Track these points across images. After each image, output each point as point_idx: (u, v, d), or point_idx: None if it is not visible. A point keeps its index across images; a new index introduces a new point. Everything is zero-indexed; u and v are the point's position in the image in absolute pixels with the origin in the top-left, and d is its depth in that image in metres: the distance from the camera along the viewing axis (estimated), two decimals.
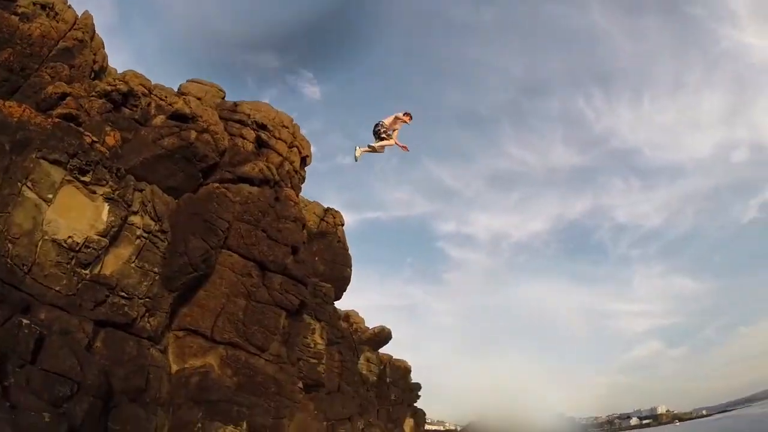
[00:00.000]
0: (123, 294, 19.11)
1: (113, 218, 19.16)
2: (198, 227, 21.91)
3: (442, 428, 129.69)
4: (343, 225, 39.00)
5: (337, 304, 39.24)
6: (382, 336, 43.89)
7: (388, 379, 43.44)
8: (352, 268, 39.02)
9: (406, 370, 46.56)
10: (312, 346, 27.21)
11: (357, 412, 33.67)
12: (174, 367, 21.39)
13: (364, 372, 40.61)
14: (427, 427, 55.66)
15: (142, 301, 19.83)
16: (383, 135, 14.53)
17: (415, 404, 47.88)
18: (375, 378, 41.83)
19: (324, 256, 35.83)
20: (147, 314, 20.03)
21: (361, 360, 40.57)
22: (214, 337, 22.14)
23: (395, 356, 47.21)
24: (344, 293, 38.11)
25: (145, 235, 20.51)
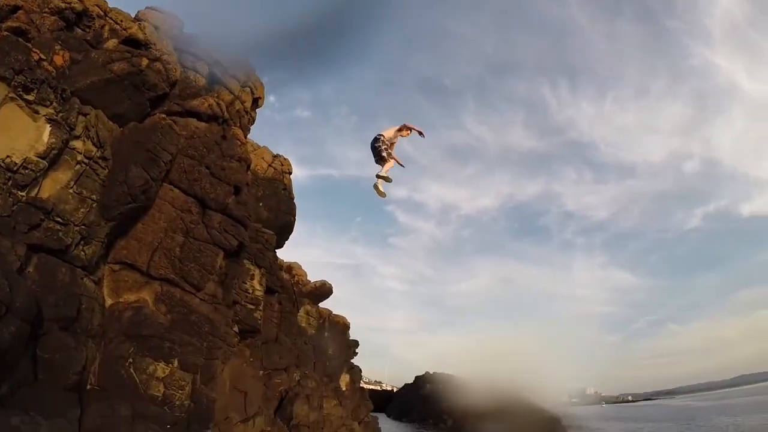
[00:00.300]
0: (58, 219, 19.14)
1: (54, 140, 19.10)
2: (140, 157, 21.96)
3: (378, 387, 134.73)
4: (290, 173, 39.10)
5: (280, 256, 39.79)
6: (323, 290, 44.74)
7: (326, 334, 44.50)
8: (297, 218, 39.30)
9: (345, 326, 47.74)
10: (250, 291, 27.68)
11: (294, 363, 34.55)
12: (108, 301, 21.61)
13: (303, 324, 41.51)
14: (363, 385, 57.16)
15: (77, 228, 19.88)
16: (384, 153, 13.21)
17: (352, 360, 49.17)
18: (313, 331, 42.82)
19: (269, 202, 36.02)
20: (82, 242, 20.12)
21: (301, 312, 41.44)
22: (149, 273, 22.42)
23: (335, 313, 48.23)
24: (286, 242, 38.51)
25: (86, 161, 20.49)
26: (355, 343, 49.49)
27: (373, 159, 13.60)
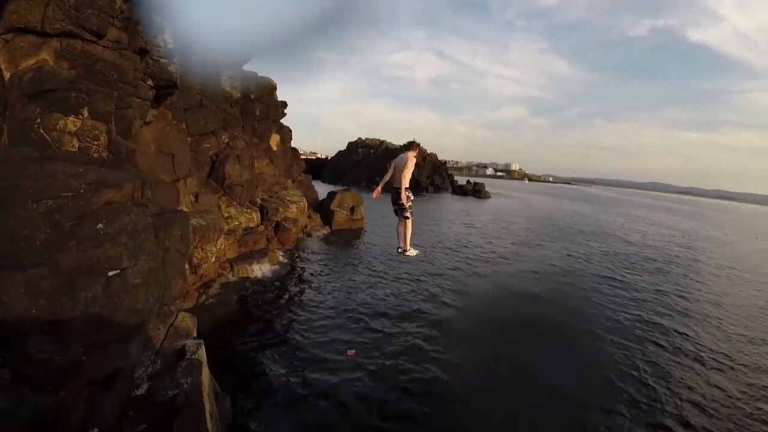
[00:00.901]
0: None
1: None
2: None
3: (314, 158, 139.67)
4: None
5: None
6: None
7: (252, 96, 43.39)
8: None
9: (271, 87, 46.49)
10: (162, 46, 25.86)
11: (221, 126, 34.24)
12: (7, 75, 19.86)
13: (227, 89, 40.27)
14: (298, 150, 57.60)
15: None
16: (408, 213, 11.34)
17: (281, 121, 48.76)
18: (239, 95, 41.73)
19: None
20: None
21: (224, 77, 39.88)
22: (45, 30, 20.36)
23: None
24: None
25: None
26: (284, 104, 48.51)
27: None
